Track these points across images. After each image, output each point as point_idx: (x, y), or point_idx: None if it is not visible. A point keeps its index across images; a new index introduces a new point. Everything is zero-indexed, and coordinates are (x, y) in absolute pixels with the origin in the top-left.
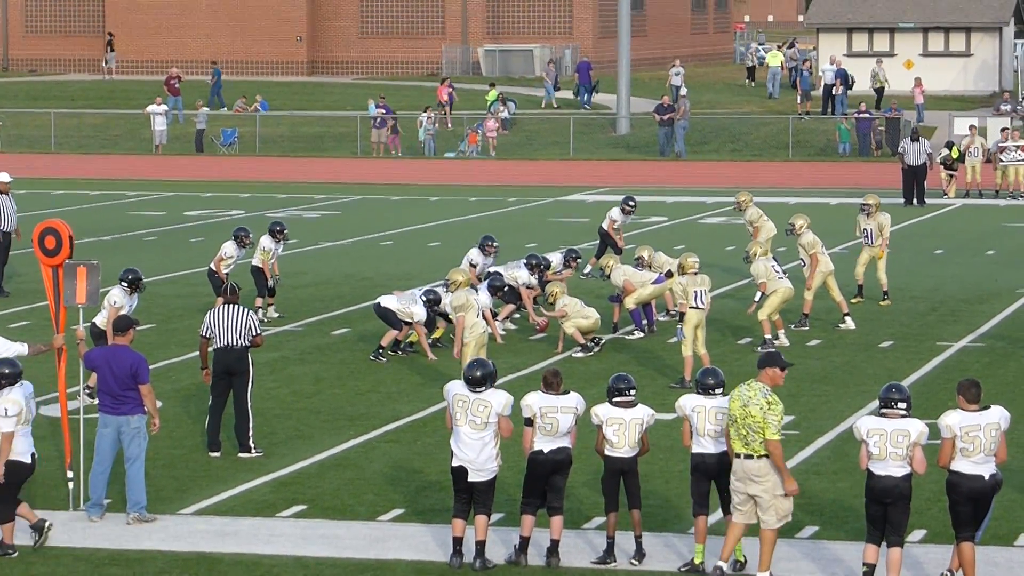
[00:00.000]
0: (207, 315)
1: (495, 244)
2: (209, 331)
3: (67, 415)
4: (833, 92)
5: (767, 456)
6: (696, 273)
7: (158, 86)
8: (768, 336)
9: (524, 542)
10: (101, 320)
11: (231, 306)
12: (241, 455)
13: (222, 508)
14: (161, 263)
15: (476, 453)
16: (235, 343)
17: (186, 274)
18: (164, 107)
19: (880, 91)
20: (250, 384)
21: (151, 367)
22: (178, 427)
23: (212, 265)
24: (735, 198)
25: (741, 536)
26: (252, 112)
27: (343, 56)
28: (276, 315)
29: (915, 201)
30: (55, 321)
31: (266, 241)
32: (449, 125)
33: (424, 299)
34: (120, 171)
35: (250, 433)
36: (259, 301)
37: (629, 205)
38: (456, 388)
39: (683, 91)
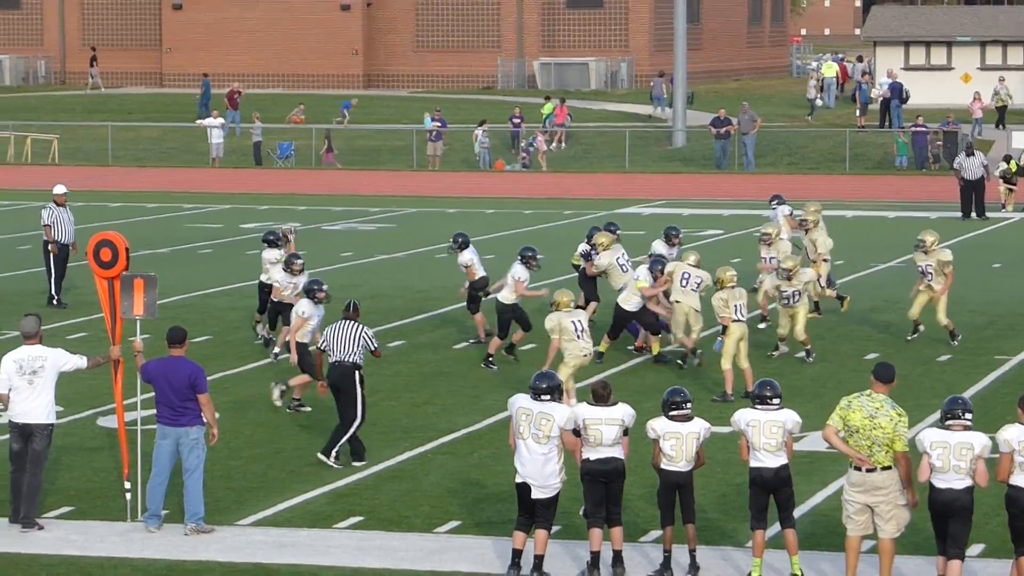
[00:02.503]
0: (326, 330)
1: (536, 257)
2: (326, 345)
3: (124, 426)
4: (889, 105)
5: (889, 467)
6: (734, 287)
7: (214, 99)
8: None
9: (595, 557)
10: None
11: (348, 322)
12: (320, 455)
13: (279, 519)
14: (217, 275)
15: (539, 468)
16: (344, 359)
17: (242, 286)
18: (220, 120)
19: (1002, 109)
20: (358, 402)
21: (208, 379)
22: (235, 438)
23: (264, 279)
24: (803, 212)
25: (859, 550)
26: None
27: (399, 69)
28: (267, 335)
29: (974, 215)
30: (111, 333)
31: (278, 273)
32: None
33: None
34: (177, 184)
35: (338, 445)
36: (258, 316)
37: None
38: (521, 401)
39: (745, 105)
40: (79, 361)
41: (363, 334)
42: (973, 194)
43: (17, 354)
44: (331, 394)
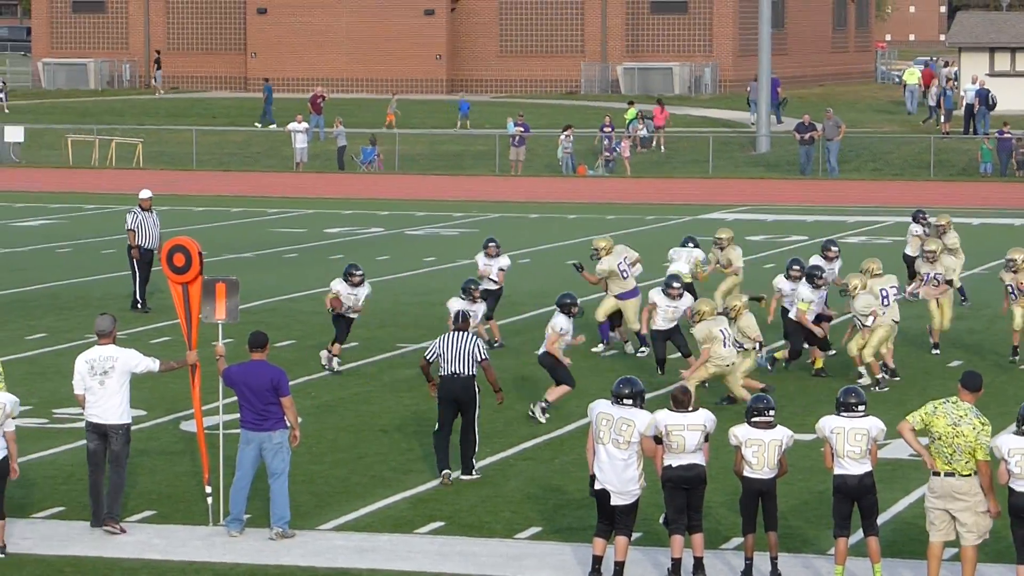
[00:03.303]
0: (436, 340)
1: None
2: (433, 356)
3: (203, 431)
4: (974, 111)
5: (971, 475)
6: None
7: (299, 104)
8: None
9: (676, 564)
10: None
11: (460, 333)
12: (463, 477)
13: (360, 524)
14: (301, 280)
15: (618, 475)
16: (462, 371)
17: (325, 291)
18: (304, 124)
19: None
20: (477, 410)
21: (291, 383)
22: (317, 443)
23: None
24: (937, 220)
25: (941, 557)
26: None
27: (482, 74)
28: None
29: None
30: (187, 338)
31: (337, 284)
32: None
33: None
34: (261, 188)
35: (474, 457)
36: (336, 348)
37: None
38: (601, 406)
39: (830, 111)
40: (151, 364)
41: (477, 344)
42: None
43: (89, 354)
44: (443, 407)
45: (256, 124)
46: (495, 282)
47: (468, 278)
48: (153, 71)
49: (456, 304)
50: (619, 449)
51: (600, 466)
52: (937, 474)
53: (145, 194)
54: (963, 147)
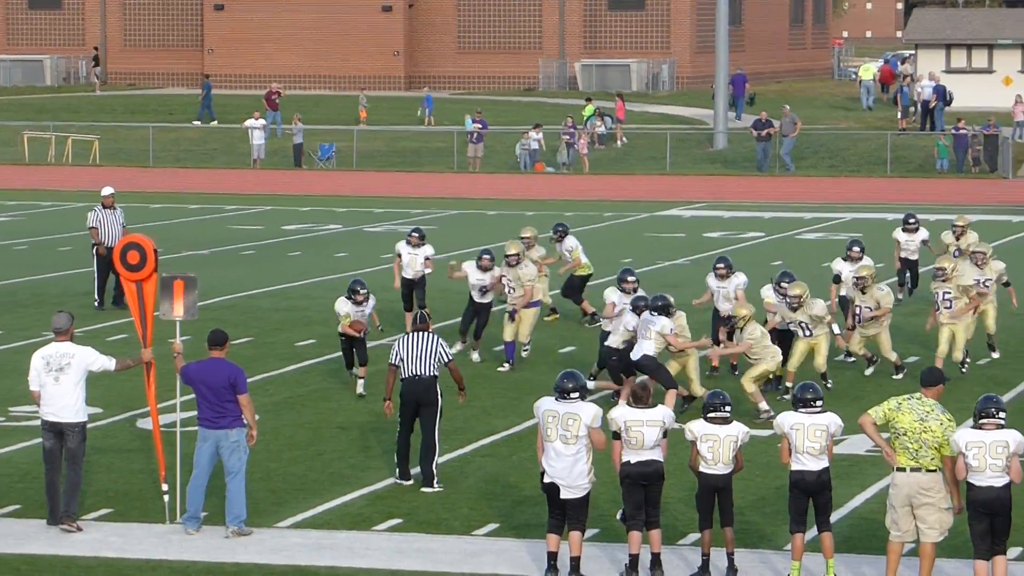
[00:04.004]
0: (396, 343)
1: (633, 280)
2: (398, 358)
3: (159, 429)
4: (931, 107)
5: (936, 471)
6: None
7: (255, 100)
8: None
9: (633, 560)
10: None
11: (420, 334)
12: (424, 489)
13: (318, 521)
14: (259, 277)
15: (568, 469)
16: (424, 372)
17: (283, 288)
18: (262, 121)
19: None
20: (439, 416)
21: (249, 380)
22: (275, 440)
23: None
24: (957, 221)
25: (901, 553)
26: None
27: (440, 71)
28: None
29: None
30: (141, 336)
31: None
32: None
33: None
34: (218, 185)
35: (434, 466)
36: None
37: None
38: (546, 404)
39: (786, 108)
40: (107, 362)
41: (440, 345)
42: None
43: (46, 351)
44: (403, 409)
45: (195, 122)
46: (422, 271)
47: (354, 279)
48: (91, 67)
49: (343, 306)
50: (567, 445)
51: (550, 462)
52: (902, 470)
53: (107, 191)
54: (920, 143)
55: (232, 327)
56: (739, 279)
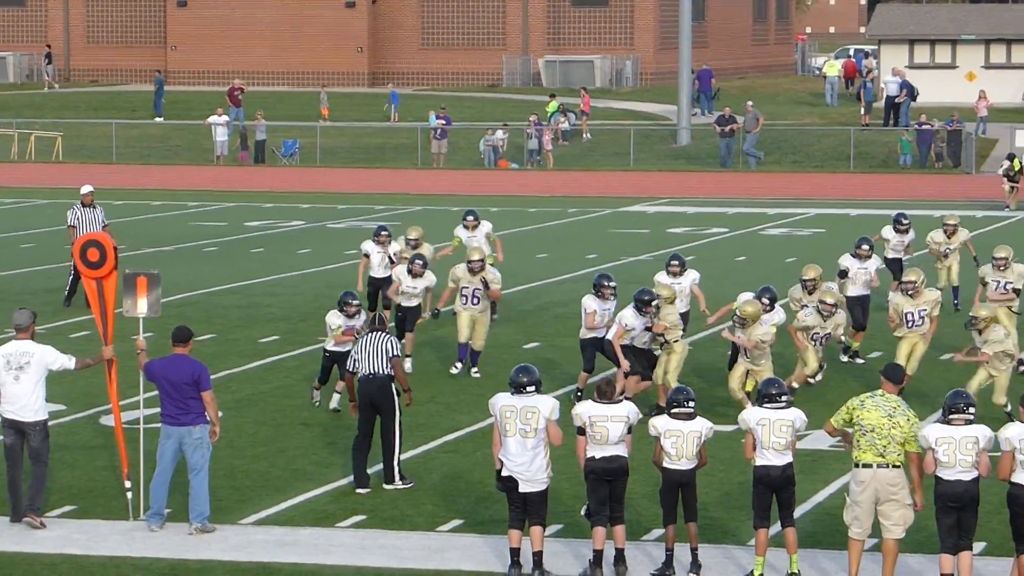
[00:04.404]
0: (353, 348)
1: (612, 285)
2: (354, 364)
3: (121, 426)
4: (897, 102)
5: (900, 467)
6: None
7: (219, 97)
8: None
9: (597, 555)
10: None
11: (374, 334)
12: (385, 486)
13: (282, 518)
14: (222, 273)
15: (528, 464)
16: (377, 371)
17: (246, 284)
18: (225, 118)
19: None
20: (398, 414)
21: (211, 377)
22: (238, 437)
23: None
24: (949, 221)
25: (863, 550)
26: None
27: (404, 67)
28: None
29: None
30: (102, 334)
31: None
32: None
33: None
34: (181, 182)
35: (395, 463)
36: (317, 384)
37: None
38: (502, 400)
39: (749, 104)
40: (67, 362)
41: (389, 342)
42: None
43: (6, 348)
44: (361, 411)
45: (157, 119)
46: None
47: (345, 291)
48: (43, 65)
49: (334, 319)
50: (527, 438)
51: (509, 457)
52: (868, 466)
53: (86, 189)
54: (883, 139)
55: (195, 324)
56: (693, 275)
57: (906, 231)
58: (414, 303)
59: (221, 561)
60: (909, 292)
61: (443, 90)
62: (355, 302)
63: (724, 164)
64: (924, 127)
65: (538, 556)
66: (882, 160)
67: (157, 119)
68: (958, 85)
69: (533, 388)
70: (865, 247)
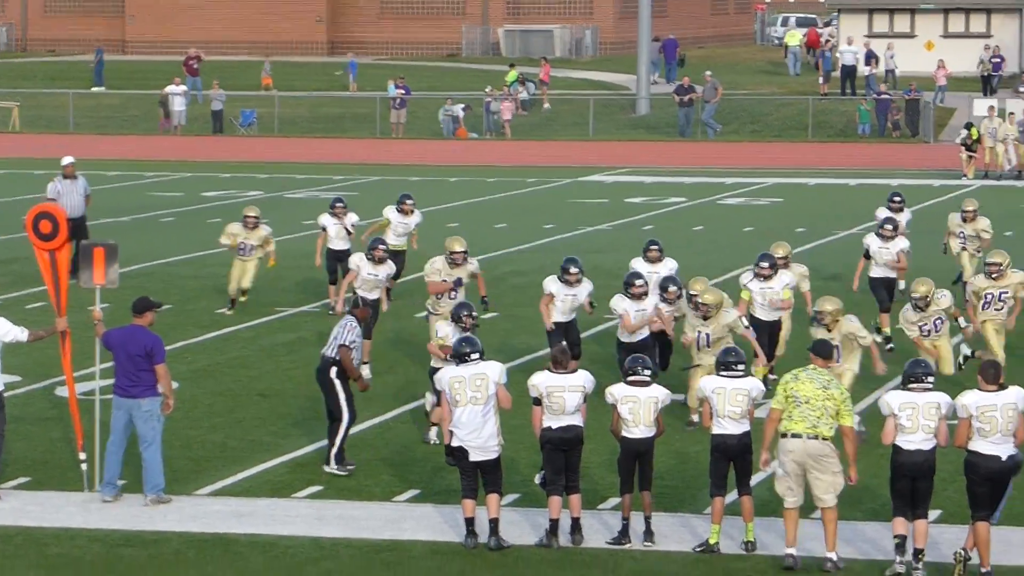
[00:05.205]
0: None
1: (575, 271)
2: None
3: (75, 397)
4: (866, 72)
5: (830, 439)
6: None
7: (176, 67)
8: None
9: (554, 524)
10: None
11: (346, 316)
12: (324, 468)
13: (238, 489)
14: (179, 244)
15: (478, 432)
16: (326, 352)
17: (204, 255)
18: (183, 87)
19: (987, 78)
20: (341, 398)
21: (168, 348)
22: (194, 407)
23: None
24: (966, 206)
25: (798, 519)
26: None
27: (363, 36)
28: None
29: None
30: (56, 305)
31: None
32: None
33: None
34: (138, 152)
35: (333, 450)
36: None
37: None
38: (450, 372)
39: (708, 73)
40: (19, 334)
41: (343, 327)
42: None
43: None
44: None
45: (95, 88)
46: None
47: (374, 238)
48: None
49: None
50: (478, 406)
51: (459, 425)
52: (797, 436)
53: (67, 160)
54: (841, 108)
55: (152, 294)
56: (671, 264)
57: (900, 209)
58: (375, 295)
59: (177, 532)
60: (993, 275)
61: (402, 60)
62: (383, 247)
63: (683, 134)
64: (883, 96)
65: (494, 523)
66: (840, 129)
67: (95, 88)
68: (917, 54)
69: (477, 356)
70: (889, 227)
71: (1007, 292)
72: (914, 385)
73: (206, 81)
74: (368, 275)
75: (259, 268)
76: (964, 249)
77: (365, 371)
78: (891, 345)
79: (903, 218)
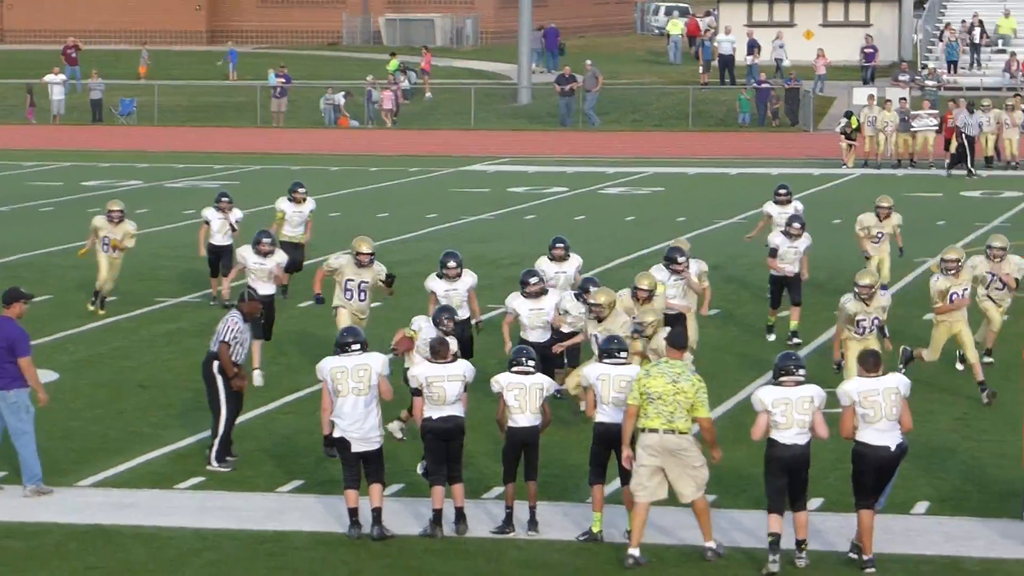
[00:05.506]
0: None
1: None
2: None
3: None
4: (749, 62)
5: (688, 432)
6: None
7: (54, 55)
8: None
9: (437, 514)
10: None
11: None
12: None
13: (120, 480)
14: (59, 234)
15: (361, 423)
16: (210, 346)
17: (83, 245)
18: (62, 76)
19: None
20: (220, 395)
21: (48, 339)
22: (75, 399)
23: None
24: (883, 202)
25: (647, 516)
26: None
27: (243, 25)
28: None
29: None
30: None
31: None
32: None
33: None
34: (17, 141)
35: (212, 450)
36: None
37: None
38: (331, 362)
39: (588, 62)
40: None
41: (223, 323)
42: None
43: None
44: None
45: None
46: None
47: (260, 231)
48: None
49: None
50: (361, 396)
51: (341, 415)
52: (654, 431)
53: None
54: (721, 98)
55: (31, 285)
56: (577, 261)
57: (787, 202)
58: (268, 290)
59: (58, 523)
60: (951, 272)
61: (282, 48)
62: (267, 239)
63: (564, 123)
64: (763, 85)
65: (377, 512)
66: (720, 119)
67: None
68: (797, 44)
69: (359, 347)
70: (796, 224)
71: (968, 289)
72: (785, 379)
73: (85, 70)
74: (255, 264)
75: (122, 267)
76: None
77: (256, 376)
78: (798, 339)
79: (791, 208)
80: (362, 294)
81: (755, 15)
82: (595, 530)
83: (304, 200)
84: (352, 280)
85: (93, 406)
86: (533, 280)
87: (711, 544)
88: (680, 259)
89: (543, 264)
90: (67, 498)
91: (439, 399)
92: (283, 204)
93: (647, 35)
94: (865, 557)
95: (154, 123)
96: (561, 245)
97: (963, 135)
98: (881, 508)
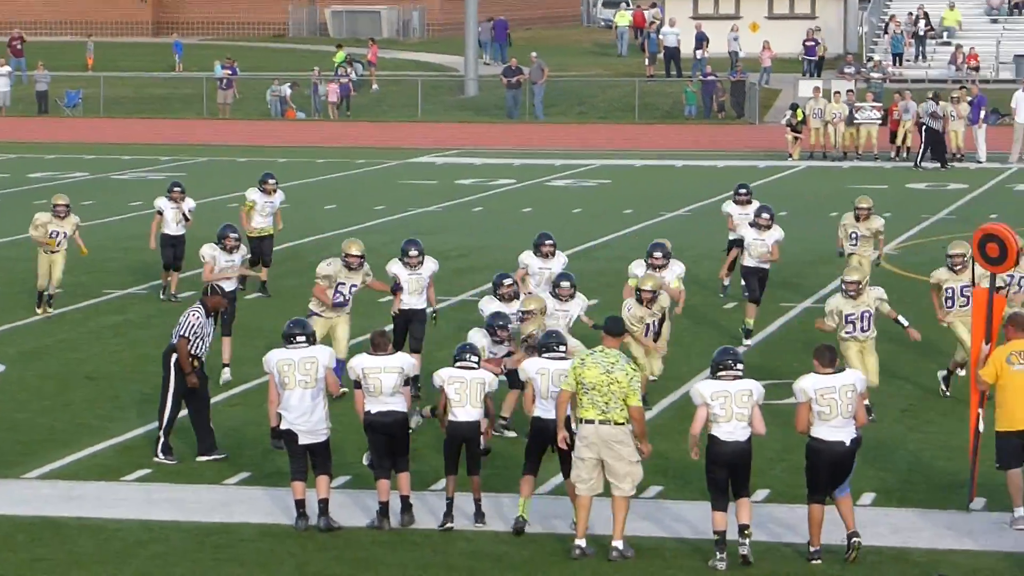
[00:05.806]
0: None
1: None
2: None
3: None
4: (699, 56)
5: (624, 423)
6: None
7: None
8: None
9: (383, 507)
10: None
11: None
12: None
13: (66, 472)
14: (4, 225)
15: (308, 415)
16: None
17: (28, 237)
18: (7, 68)
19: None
20: (169, 386)
21: None
22: (22, 390)
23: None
24: (861, 204)
25: (590, 508)
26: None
27: (189, 16)
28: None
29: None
30: None
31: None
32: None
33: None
34: None
35: (159, 443)
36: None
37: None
38: (277, 355)
39: (534, 55)
40: None
41: (186, 317)
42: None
43: None
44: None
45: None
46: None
47: (224, 224)
48: None
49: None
50: (308, 389)
51: (288, 408)
52: (590, 422)
53: None
54: (668, 90)
55: None
56: (563, 259)
57: (748, 202)
58: (232, 284)
59: (5, 515)
60: (955, 268)
61: (228, 40)
62: (234, 235)
63: (511, 115)
64: (709, 78)
65: (323, 504)
66: (667, 111)
67: None
68: (742, 36)
69: (305, 340)
70: (765, 215)
71: (968, 286)
72: (723, 373)
73: (30, 62)
74: (226, 263)
75: (67, 259)
76: (854, 252)
77: (225, 373)
78: (749, 342)
79: (751, 209)
80: (349, 297)
81: (701, 7)
82: (519, 514)
83: (275, 191)
84: (343, 284)
85: (40, 398)
86: (507, 282)
87: (618, 544)
88: (656, 254)
89: (528, 258)
90: (14, 490)
91: (375, 391)
92: (254, 194)
93: (593, 27)
94: (812, 549)
95: (100, 115)
96: (550, 242)
97: (927, 127)
98: (845, 495)
